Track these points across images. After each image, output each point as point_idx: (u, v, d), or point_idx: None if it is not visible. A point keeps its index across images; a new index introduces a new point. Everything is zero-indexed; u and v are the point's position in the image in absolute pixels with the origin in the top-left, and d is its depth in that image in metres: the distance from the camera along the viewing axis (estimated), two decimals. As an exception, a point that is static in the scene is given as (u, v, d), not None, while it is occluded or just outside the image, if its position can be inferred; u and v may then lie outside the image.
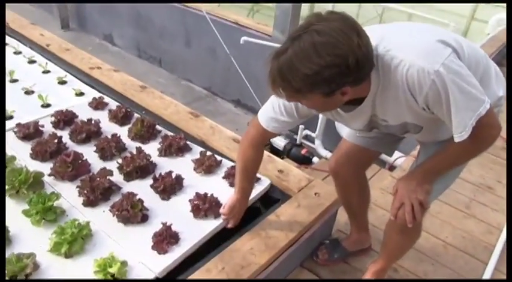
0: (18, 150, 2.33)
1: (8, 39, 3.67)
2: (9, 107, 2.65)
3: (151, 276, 1.77)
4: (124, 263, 1.75)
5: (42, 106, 2.77)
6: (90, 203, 2.07)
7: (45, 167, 2.22)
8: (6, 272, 1.65)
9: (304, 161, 4.33)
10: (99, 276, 1.71)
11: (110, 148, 2.39)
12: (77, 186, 2.12)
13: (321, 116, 4.47)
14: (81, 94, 2.96)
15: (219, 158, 2.42)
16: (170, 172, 2.25)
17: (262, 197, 2.27)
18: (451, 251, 2.50)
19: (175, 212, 2.08)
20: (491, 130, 1.47)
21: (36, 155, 2.30)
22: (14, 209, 1.97)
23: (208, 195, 2.10)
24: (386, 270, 2.12)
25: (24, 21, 4.19)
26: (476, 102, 1.37)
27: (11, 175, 2.03)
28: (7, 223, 1.84)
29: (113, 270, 1.71)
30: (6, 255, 1.70)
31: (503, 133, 1.72)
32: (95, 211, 2.05)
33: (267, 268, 1.89)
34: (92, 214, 2.03)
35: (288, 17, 4.21)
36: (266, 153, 2.53)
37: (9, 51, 3.47)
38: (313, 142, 4.72)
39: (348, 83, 1.31)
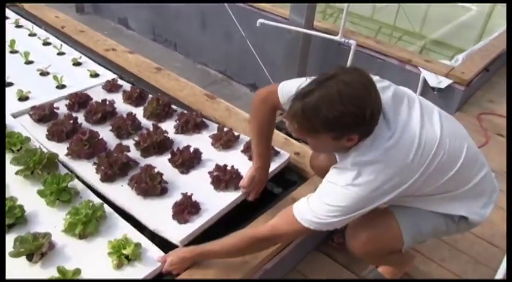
0: (33, 132, 2.32)
1: (22, 21, 3.67)
2: (24, 88, 2.64)
3: (174, 242, 1.80)
4: (138, 245, 1.74)
5: (57, 87, 2.76)
6: (108, 178, 2.07)
7: (62, 147, 2.22)
8: (23, 250, 1.66)
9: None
10: (113, 258, 1.71)
11: (126, 126, 2.37)
12: (94, 163, 2.11)
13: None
14: (96, 75, 2.94)
15: (236, 133, 2.40)
16: (188, 146, 2.23)
17: (280, 173, 2.25)
18: (468, 237, 2.44)
19: (195, 185, 2.08)
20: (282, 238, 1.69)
21: (52, 135, 2.29)
22: (29, 189, 1.98)
23: (228, 167, 2.08)
24: (405, 262, 2.09)
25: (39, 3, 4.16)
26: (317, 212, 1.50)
27: (26, 156, 2.03)
28: (23, 202, 1.85)
29: (127, 251, 1.71)
30: (23, 234, 1.70)
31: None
32: (112, 186, 2.06)
33: (282, 250, 1.87)
34: (110, 189, 2.03)
35: None
36: (282, 135, 2.51)
37: (24, 33, 3.47)
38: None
39: (357, 132, 1.41)
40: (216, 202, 1.99)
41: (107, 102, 2.54)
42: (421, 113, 1.51)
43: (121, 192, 2.02)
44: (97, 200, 1.94)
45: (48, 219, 1.86)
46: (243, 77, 5.71)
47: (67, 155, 2.19)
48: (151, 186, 1.99)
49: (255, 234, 1.63)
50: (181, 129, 2.45)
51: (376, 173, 1.43)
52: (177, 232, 1.84)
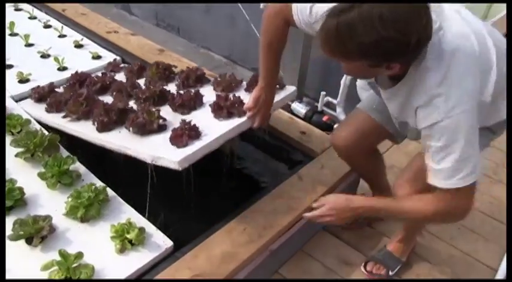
0: (33, 112, 2.28)
1: (22, 4, 3.59)
2: (25, 71, 2.60)
3: (172, 166, 1.69)
4: (142, 230, 1.70)
5: (59, 69, 2.71)
6: (104, 126, 1.97)
7: (60, 117, 2.16)
8: (22, 233, 1.62)
9: (325, 128, 4.22)
10: (116, 242, 1.67)
11: (126, 88, 2.26)
12: (91, 113, 2.04)
13: (342, 82, 4.37)
14: (98, 57, 2.89)
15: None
16: (188, 90, 2.14)
17: (286, 151, 2.19)
18: (478, 216, 2.41)
19: (196, 119, 1.91)
20: (467, 202, 1.46)
21: (51, 107, 2.23)
22: (30, 172, 1.93)
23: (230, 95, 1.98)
24: (413, 236, 2.07)
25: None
26: (470, 167, 1.35)
27: (26, 138, 1.98)
28: (23, 185, 1.81)
29: (131, 236, 1.67)
30: (23, 217, 1.66)
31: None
32: (110, 134, 1.97)
33: (289, 230, 1.83)
34: (107, 137, 1.95)
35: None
36: (288, 115, 2.47)
37: (23, 16, 3.40)
38: (334, 110, 4.62)
39: (399, 61, 1.26)
40: (217, 129, 1.85)
41: (108, 75, 2.47)
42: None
43: (118, 138, 1.91)
44: (99, 183, 1.90)
45: (49, 202, 1.82)
46: (247, 60, 5.66)
47: (65, 117, 2.11)
48: (148, 121, 1.88)
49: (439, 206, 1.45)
50: (183, 85, 2.31)
51: (458, 83, 1.29)
52: (175, 154, 1.71)
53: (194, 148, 1.72)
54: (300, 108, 4.66)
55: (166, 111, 2.02)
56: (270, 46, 1.75)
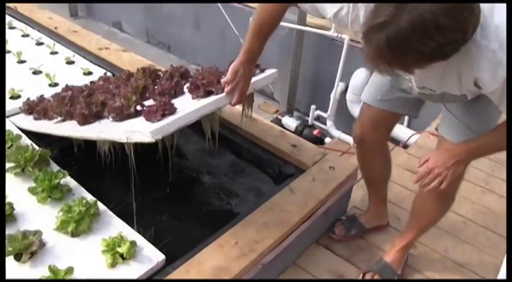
0: (23, 124, 2.27)
1: (15, 22, 3.62)
2: (16, 87, 2.60)
3: (146, 140, 1.60)
4: (133, 243, 1.69)
5: (50, 85, 2.72)
6: (85, 119, 1.93)
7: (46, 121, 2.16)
8: (11, 249, 1.60)
9: (316, 141, 4.26)
10: (107, 256, 1.65)
11: (111, 90, 2.20)
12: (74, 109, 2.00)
13: (332, 96, 4.40)
14: (89, 73, 2.90)
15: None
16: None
17: (278, 165, 2.19)
18: (471, 227, 2.42)
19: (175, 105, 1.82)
20: None
21: (39, 113, 2.23)
22: (20, 187, 1.92)
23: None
24: (412, 245, 2.08)
25: (33, 5, 4.12)
26: None
27: (17, 153, 1.98)
28: (12, 200, 1.79)
29: (122, 250, 1.66)
30: (12, 232, 1.64)
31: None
32: (89, 126, 1.94)
33: (282, 243, 1.82)
34: (86, 129, 1.93)
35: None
36: (278, 128, 2.47)
37: (16, 34, 3.42)
38: (325, 123, 4.65)
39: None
40: (193, 106, 1.78)
41: (96, 84, 2.46)
42: None
43: (96, 126, 1.88)
44: (90, 197, 1.89)
45: (39, 217, 1.80)
46: (238, 76, 5.69)
47: (50, 119, 2.10)
48: (126, 106, 1.83)
49: None
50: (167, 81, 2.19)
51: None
52: (148, 126, 1.65)
53: (167, 121, 1.67)
54: (291, 122, 4.69)
55: (148, 103, 1.96)
56: (260, 29, 1.71)
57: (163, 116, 1.69)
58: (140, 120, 1.76)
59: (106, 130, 1.83)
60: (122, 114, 1.84)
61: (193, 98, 1.86)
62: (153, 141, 1.59)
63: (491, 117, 1.60)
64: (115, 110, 1.85)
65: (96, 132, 1.86)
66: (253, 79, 1.90)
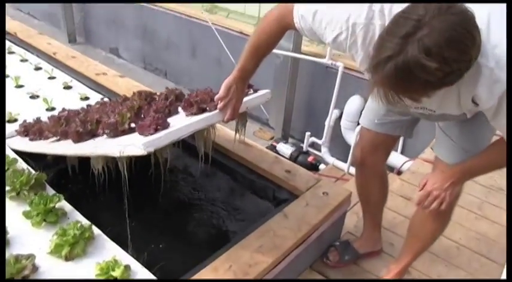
0: (19, 146, 2.28)
1: (15, 48, 3.68)
2: (13, 111, 2.63)
3: (139, 152, 1.60)
4: (127, 267, 1.68)
5: (47, 109, 2.74)
6: (80, 136, 1.92)
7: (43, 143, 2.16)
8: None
9: (311, 168, 4.28)
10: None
11: (107, 112, 2.18)
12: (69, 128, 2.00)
13: (327, 123, 4.44)
14: (86, 98, 2.93)
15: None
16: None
17: (272, 190, 2.21)
18: (464, 253, 2.43)
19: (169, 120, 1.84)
20: None
21: (34, 134, 2.24)
22: (14, 210, 1.91)
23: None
24: (407, 269, 2.10)
25: (32, 31, 4.18)
26: None
27: (13, 177, 1.98)
28: (6, 224, 1.78)
29: (116, 274, 1.64)
30: (5, 256, 1.64)
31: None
32: (84, 143, 1.94)
33: (275, 267, 1.83)
34: (81, 145, 1.93)
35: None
36: (273, 154, 2.49)
37: (15, 59, 3.47)
38: (319, 150, 4.68)
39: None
40: (186, 122, 1.79)
41: (91, 107, 2.48)
42: None
43: (91, 143, 1.87)
44: (85, 221, 1.89)
45: (33, 241, 1.79)
46: (233, 102, 5.74)
47: (46, 138, 2.10)
48: (120, 122, 1.84)
49: None
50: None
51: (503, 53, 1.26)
52: (140, 139, 1.65)
53: (160, 134, 1.67)
54: (286, 149, 4.72)
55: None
56: (256, 50, 1.75)
57: (156, 130, 1.70)
58: (133, 135, 1.77)
59: (100, 146, 1.84)
60: (116, 131, 1.85)
61: (186, 115, 1.87)
62: (145, 153, 1.60)
63: (485, 137, 1.65)
64: (109, 126, 1.86)
65: (90, 149, 1.87)
66: (247, 98, 1.94)
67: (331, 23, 1.46)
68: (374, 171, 2.10)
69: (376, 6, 1.35)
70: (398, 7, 1.21)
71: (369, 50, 1.27)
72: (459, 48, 1.12)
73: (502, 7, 1.32)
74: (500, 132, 1.44)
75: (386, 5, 1.33)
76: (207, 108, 1.85)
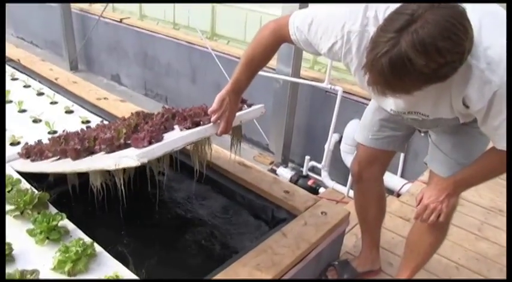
0: (21, 167, 2.33)
1: (18, 74, 3.76)
2: (17, 134, 2.68)
3: (133, 163, 1.64)
4: (127, 283, 1.72)
5: (49, 133, 2.79)
6: (78, 154, 1.94)
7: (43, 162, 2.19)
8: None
9: (310, 191, 4.28)
10: (103, 296, 1.67)
11: (106, 132, 2.18)
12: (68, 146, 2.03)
13: (326, 147, 4.48)
14: (87, 122, 2.99)
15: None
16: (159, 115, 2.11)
17: (271, 210, 2.23)
18: (464, 273, 2.44)
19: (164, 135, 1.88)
20: None
21: (35, 155, 2.28)
22: (18, 229, 1.95)
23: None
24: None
25: (35, 58, 4.27)
26: None
27: (17, 196, 2.02)
28: (11, 241, 1.82)
29: (116, 289, 1.68)
30: (11, 271, 1.67)
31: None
32: (81, 160, 1.96)
33: (274, 284, 1.85)
34: (79, 162, 1.95)
35: (291, 49, 4.27)
36: (272, 175, 2.53)
37: (19, 85, 3.55)
38: (319, 174, 4.71)
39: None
40: (180, 134, 1.83)
41: (91, 128, 2.50)
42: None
43: (88, 160, 1.90)
44: (87, 239, 1.92)
45: (37, 257, 1.83)
46: (233, 127, 5.79)
47: (45, 158, 2.13)
48: (116, 137, 1.86)
49: None
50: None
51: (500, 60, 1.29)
52: (134, 150, 1.68)
53: (153, 146, 1.71)
54: (286, 173, 4.75)
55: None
56: (250, 62, 1.77)
57: (150, 143, 1.73)
58: (128, 149, 1.80)
59: (96, 161, 1.88)
60: (112, 146, 1.88)
61: (181, 130, 1.90)
62: (139, 164, 1.63)
63: (478, 149, 1.68)
64: (105, 142, 1.89)
65: (86, 165, 1.91)
66: (241, 112, 1.99)
67: (326, 32, 1.51)
68: (372, 185, 2.13)
69: (371, 12, 1.40)
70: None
71: (363, 59, 1.30)
72: (453, 39, 1.15)
73: (494, 10, 1.38)
74: (490, 137, 1.47)
75: (381, 10, 1.37)
76: (201, 122, 1.88)
